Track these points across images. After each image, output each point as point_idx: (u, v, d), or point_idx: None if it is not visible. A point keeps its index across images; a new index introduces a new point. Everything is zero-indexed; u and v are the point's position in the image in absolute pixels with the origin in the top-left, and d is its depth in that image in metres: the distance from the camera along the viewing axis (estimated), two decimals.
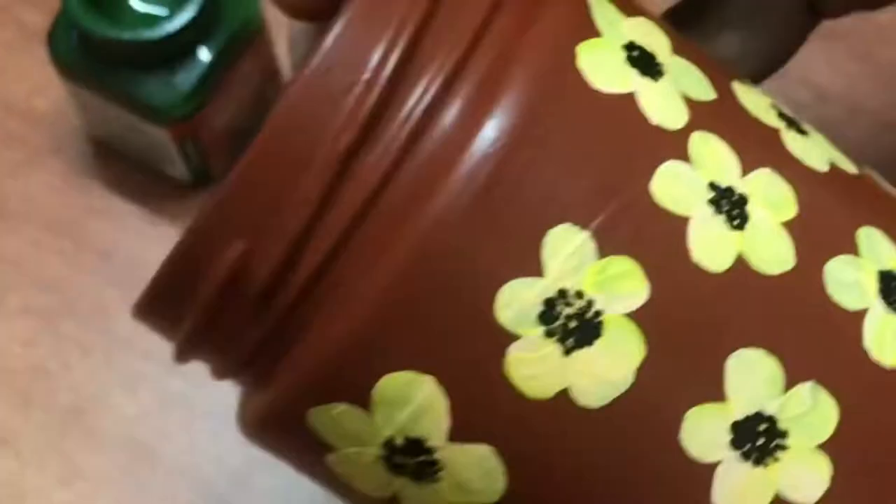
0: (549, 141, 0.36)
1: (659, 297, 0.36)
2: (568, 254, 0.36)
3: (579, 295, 0.36)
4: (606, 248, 0.36)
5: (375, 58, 0.37)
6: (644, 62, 0.39)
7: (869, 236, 0.40)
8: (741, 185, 0.38)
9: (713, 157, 0.38)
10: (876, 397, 0.38)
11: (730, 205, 0.38)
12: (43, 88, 0.70)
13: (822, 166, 0.41)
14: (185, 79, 0.62)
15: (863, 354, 0.38)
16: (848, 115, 0.68)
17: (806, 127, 0.44)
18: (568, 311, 0.36)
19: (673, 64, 0.40)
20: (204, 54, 0.62)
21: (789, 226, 0.38)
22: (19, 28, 0.72)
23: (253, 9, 0.64)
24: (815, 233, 0.39)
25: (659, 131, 0.38)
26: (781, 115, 0.43)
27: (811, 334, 0.38)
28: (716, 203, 0.38)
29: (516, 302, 0.35)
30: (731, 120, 0.40)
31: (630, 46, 0.39)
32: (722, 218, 0.38)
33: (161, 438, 0.63)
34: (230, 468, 0.63)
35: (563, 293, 0.36)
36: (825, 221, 0.39)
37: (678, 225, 0.37)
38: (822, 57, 0.69)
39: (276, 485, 0.62)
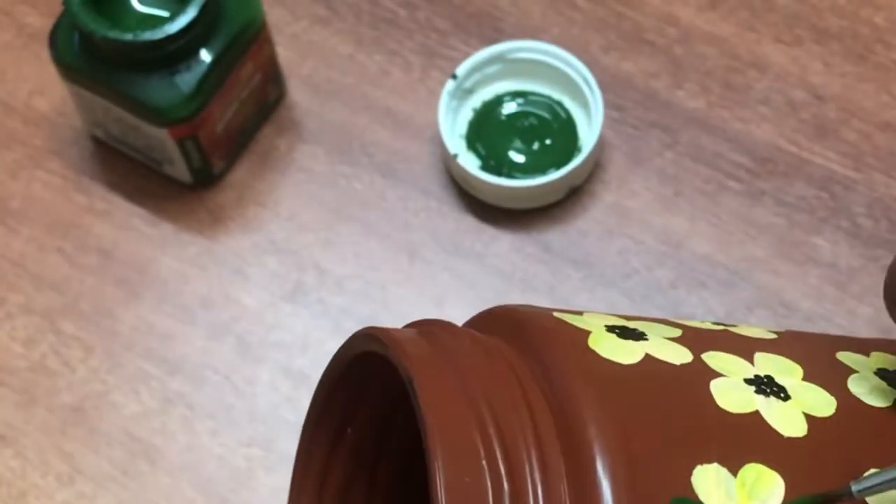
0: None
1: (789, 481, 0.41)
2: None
3: None
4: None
5: None
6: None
7: None
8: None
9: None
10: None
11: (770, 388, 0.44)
12: (43, 89, 0.71)
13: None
14: (186, 80, 0.62)
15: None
16: (844, 115, 0.68)
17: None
18: None
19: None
20: (205, 55, 0.63)
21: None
22: (20, 29, 0.72)
23: (254, 10, 0.64)
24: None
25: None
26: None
27: None
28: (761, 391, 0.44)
29: None
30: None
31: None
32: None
33: (161, 438, 0.63)
34: (230, 468, 0.63)
35: None
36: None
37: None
38: (819, 57, 0.70)
39: (277, 485, 0.62)
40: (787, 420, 0.42)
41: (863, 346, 0.48)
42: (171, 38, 0.61)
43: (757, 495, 0.41)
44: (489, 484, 0.40)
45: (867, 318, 0.64)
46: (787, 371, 0.44)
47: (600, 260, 0.66)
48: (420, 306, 0.65)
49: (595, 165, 0.68)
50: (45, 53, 0.71)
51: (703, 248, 0.66)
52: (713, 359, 0.44)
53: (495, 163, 0.67)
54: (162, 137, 0.64)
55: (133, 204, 0.68)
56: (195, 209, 0.68)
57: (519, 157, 0.67)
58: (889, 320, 0.64)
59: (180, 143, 0.64)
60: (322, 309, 0.66)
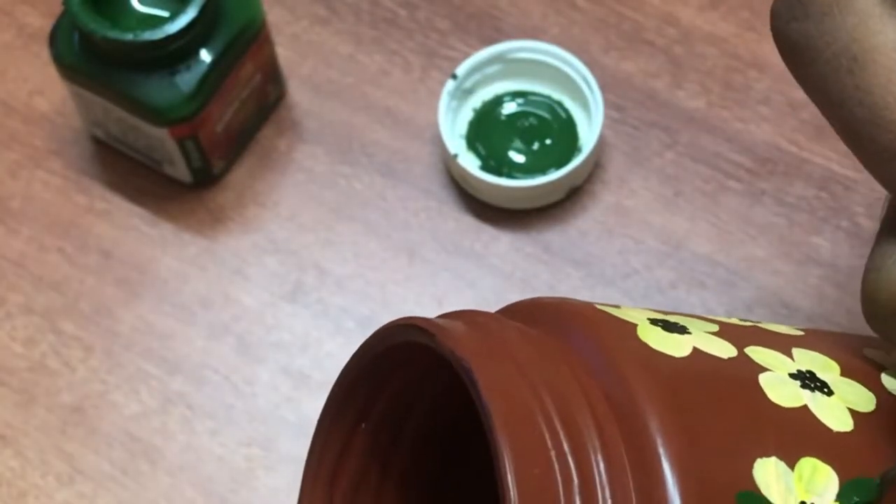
0: None
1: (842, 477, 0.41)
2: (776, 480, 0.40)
3: None
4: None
5: None
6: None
7: None
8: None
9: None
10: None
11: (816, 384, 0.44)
12: (43, 89, 0.71)
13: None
14: (186, 80, 0.62)
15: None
16: None
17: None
18: None
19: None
20: (205, 55, 0.63)
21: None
22: (19, 29, 0.72)
23: (254, 10, 0.64)
24: None
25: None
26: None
27: None
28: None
29: None
30: None
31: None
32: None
33: (161, 438, 0.63)
34: (230, 468, 0.63)
35: None
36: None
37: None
38: None
39: (276, 485, 0.62)
40: (835, 415, 0.42)
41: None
42: (171, 38, 0.61)
43: (814, 489, 0.41)
44: (559, 476, 0.39)
45: None
46: (825, 367, 0.44)
47: (600, 260, 0.66)
48: (420, 306, 0.65)
49: (595, 165, 0.68)
50: (45, 53, 0.71)
51: (703, 248, 0.66)
52: (756, 353, 0.43)
53: (495, 163, 0.67)
54: (162, 137, 0.64)
55: (133, 204, 0.68)
56: (195, 209, 0.68)
57: (519, 157, 0.67)
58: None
59: (180, 143, 0.64)
60: (322, 309, 0.66)
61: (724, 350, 0.43)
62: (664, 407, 0.39)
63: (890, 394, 0.44)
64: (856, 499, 0.41)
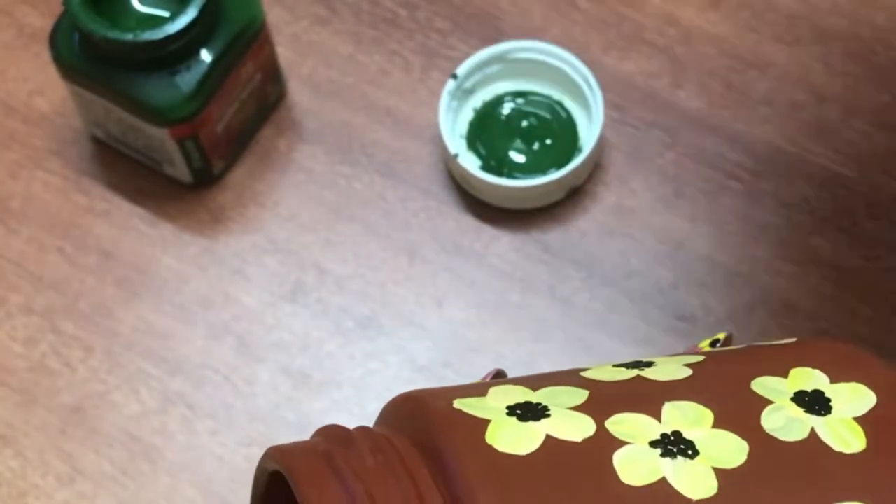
0: None
1: None
2: None
3: None
4: None
5: None
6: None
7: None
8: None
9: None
10: None
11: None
12: (43, 89, 0.71)
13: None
14: (186, 80, 0.62)
15: None
16: (845, 116, 0.68)
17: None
18: None
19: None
20: (205, 55, 0.63)
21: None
22: (20, 29, 0.72)
23: (254, 10, 0.64)
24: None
25: None
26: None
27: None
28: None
29: None
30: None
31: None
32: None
33: (161, 438, 0.63)
34: (230, 468, 0.63)
35: None
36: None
37: None
38: (820, 58, 0.70)
39: None
40: (696, 481, 0.42)
41: (782, 364, 0.47)
42: (171, 39, 0.61)
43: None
44: None
45: (867, 318, 0.64)
46: (696, 421, 0.44)
47: (600, 260, 0.66)
48: (420, 306, 0.65)
49: (595, 165, 0.68)
50: (45, 53, 0.71)
51: (703, 248, 0.66)
52: (618, 424, 0.43)
53: (495, 163, 0.67)
54: (162, 137, 0.64)
55: (133, 204, 0.68)
56: (195, 209, 0.68)
57: (519, 157, 0.67)
58: (891, 319, 0.64)
59: (180, 143, 0.64)
60: (322, 309, 0.66)
61: (581, 430, 0.43)
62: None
63: (766, 436, 0.44)
64: None
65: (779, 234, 0.66)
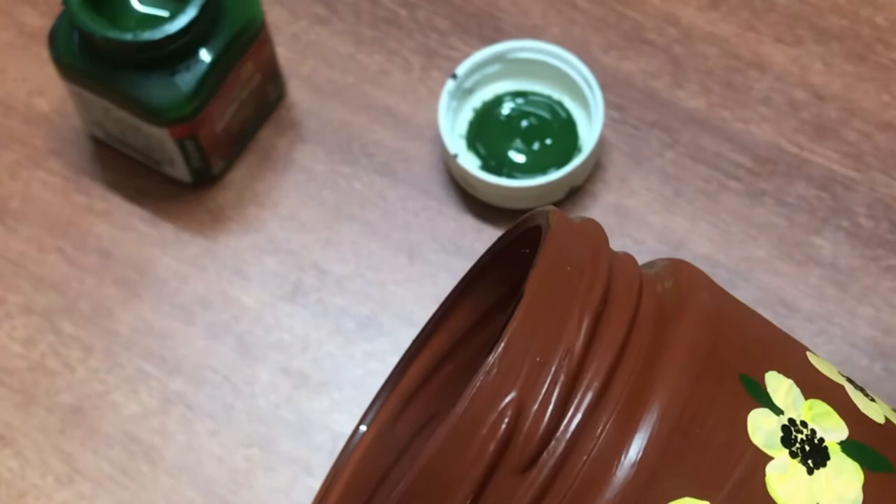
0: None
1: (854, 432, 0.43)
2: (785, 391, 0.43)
3: (804, 424, 0.43)
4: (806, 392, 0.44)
5: (544, 379, 0.41)
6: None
7: None
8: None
9: None
10: None
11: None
12: (43, 89, 0.71)
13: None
14: (186, 80, 0.62)
15: None
16: (845, 115, 0.68)
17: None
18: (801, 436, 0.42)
19: None
20: (204, 55, 0.63)
21: None
22: (20, 29, 0.72)
23: (254, 10, 0.64)
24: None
25: None
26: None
27: None
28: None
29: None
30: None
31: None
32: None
33: (161, 438, 0.63)
34: (230, 468, 0.63)
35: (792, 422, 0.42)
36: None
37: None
38: (820, 57, 0.70)
39: (276, 485, 0.62)
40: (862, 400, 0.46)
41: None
42: (171, 38, 0.61)
43: (820, 423, 0.43)
44: (575, 323, 0.42)
45: (867, 318, 0.64)
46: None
47: None
48: (420, 306, 0.65)
49: (595, 165, 0.68)
50: (45, 53, 0.71)
51: (703, 248, 0.66)
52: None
53: (495, 163, 0.67)
54: (162, 137, 0.64)
55: (133, 204, 0.68)
56: (195, 209, 0.68)
57: (519, 157, 0.67)
58: (891, 320, 0.64)
59: (180, 143, 0.64)
60: (322, 309, 0.66)
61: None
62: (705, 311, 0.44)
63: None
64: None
65: (779, 233, 0.66)
